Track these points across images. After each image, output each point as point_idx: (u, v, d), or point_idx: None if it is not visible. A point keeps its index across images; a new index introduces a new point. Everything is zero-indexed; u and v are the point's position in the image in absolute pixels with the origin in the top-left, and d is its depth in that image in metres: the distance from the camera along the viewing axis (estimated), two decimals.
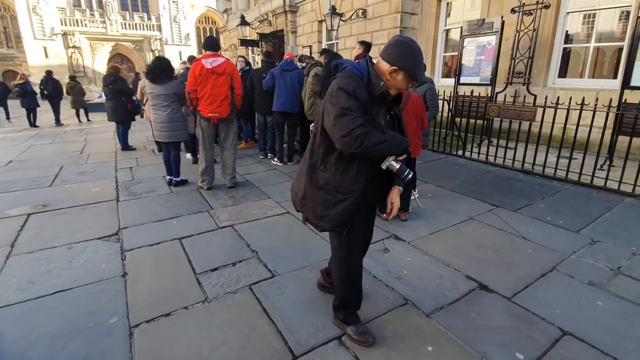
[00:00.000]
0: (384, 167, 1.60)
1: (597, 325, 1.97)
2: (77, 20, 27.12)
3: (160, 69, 4.13)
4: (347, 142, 1.48)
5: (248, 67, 6.66)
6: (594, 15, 5.82)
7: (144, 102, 5.99)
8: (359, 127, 1.46)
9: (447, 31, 7.93)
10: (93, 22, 27.67)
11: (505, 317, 2.04)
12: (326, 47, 9.84)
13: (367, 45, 4.79)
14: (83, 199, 3.97)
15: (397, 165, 1.60)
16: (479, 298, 2.21)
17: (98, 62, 28.35)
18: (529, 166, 4.64)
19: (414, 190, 3.67)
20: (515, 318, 2.03)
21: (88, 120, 11.85)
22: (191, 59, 6.10)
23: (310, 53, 10.87)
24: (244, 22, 12.81)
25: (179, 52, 30.00)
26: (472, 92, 5.48)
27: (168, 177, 4.48)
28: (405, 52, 1.52)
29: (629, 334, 1.92)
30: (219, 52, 4.12)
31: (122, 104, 6.68)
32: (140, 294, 2.25)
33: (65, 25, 26.73)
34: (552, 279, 2.41)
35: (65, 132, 9.52)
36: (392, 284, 2.34)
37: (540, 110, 4.36)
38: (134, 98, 7.03)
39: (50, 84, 10.84)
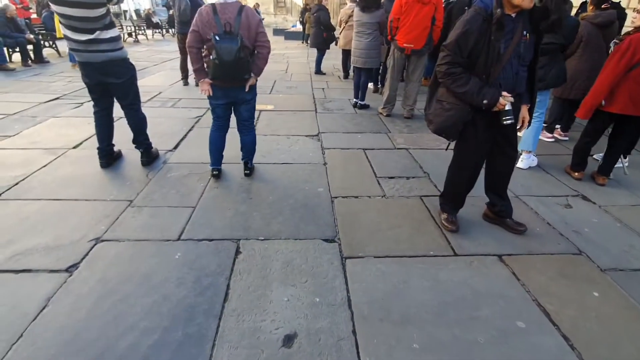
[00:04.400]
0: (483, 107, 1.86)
1: None
2: None
3: None
4: (438, 73, 1.94)
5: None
6: None
7: (341, 30, 6.64)
8: (444, 65, 1.87)
9: None
10: None
11: None
12: None
13: None
14: (292, 106, 5.07)
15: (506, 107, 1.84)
16: None
17: None
18: None
19: (624, 157, 3.13)
20: None
21: None
22: None
23: None
24: None
25: None
26: None
27: (354, 99, 5.12)
28: None
29: None
30: None
31: (320, 32, 7.57)
32: (336, 179, 2.97)
33: None
34: None
35: (273, 55, 11.52)
36: (568, 235, 2.30)
37: None
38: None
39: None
